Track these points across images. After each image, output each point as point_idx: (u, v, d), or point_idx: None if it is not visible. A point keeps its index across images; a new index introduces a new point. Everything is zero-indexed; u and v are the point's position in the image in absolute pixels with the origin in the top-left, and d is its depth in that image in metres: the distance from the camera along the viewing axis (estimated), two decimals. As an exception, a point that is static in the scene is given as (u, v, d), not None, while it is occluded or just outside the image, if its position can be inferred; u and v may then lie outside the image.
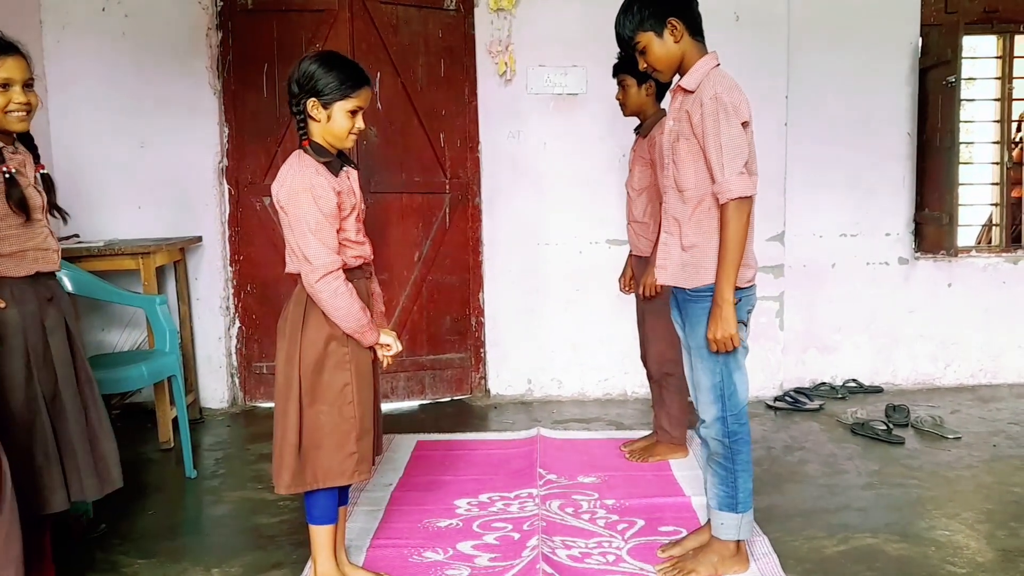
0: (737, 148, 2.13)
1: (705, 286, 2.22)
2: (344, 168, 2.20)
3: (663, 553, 2.48)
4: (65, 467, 2.13)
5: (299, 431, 2.15)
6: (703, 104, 2.16)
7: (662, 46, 2.24)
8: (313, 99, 2.10)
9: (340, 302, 2.10)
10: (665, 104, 2.98)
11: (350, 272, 2.17)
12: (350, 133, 2.14)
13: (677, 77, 2.31)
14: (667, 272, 2.32)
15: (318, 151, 2.14)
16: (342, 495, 2.32)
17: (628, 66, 3.14)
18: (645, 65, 2.30)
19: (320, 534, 2.25)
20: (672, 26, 2.21)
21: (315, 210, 2.06)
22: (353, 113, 2.13)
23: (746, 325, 2.29)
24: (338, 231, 2.13)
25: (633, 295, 3.45)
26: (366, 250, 2.26)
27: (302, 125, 2.15)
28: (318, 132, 2.14)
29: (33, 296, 2.10)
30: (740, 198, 2.13)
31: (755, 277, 2.30)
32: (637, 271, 3.34)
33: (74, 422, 2.14)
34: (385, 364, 2.30)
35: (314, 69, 2.09)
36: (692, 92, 2.22)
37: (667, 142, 2.32)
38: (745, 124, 2.17)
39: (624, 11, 2.27)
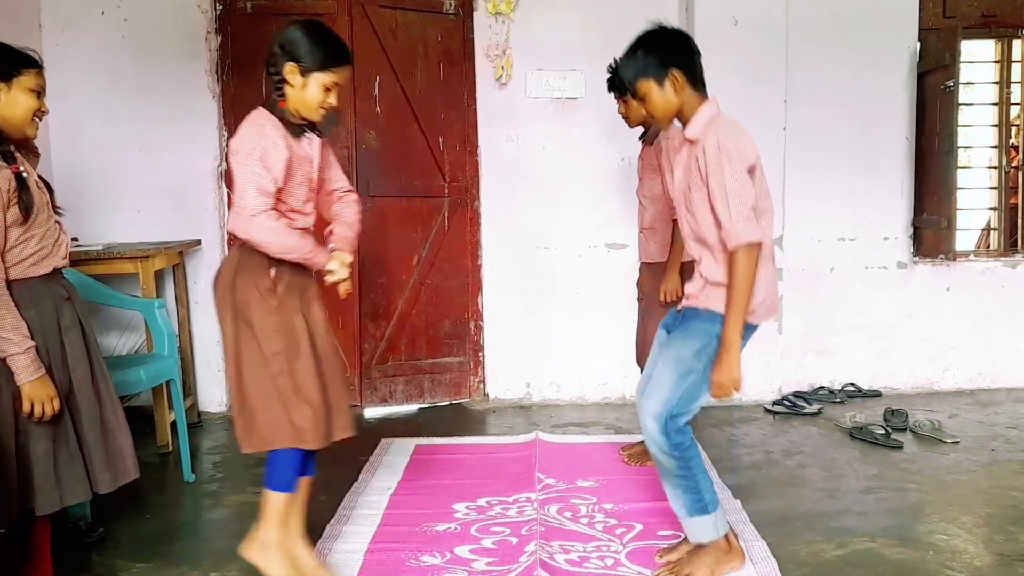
0: (741, 194, 2.14)
1: (717, 311, 2.24)
2: (307, 134, 2.19)
3: (661, 558, 2.47)
4: (85, 462, 2.18)
5: (240, 392, 2.16)
6: (706, 152, 2.17)
7: (662, 96, 2.26)
8: (292, 63, 2.10)
9: (274, 236, 2.08)
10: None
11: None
12: (321, 106, 2.14)
13: (678, 125, 2.34)
14: (692, 300, 2.34)
15: (286, 114, 2.14)
16: (307, 466, 2.29)
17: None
18: (644, 112, 2.34)
19: (273, 499, 2.21)
20: (674, 77, 2.23)
21: (258, 160, 2.05)
22: (328, 89, 2.13)
23: None
24: (281, 197, 2.12)
25: (635, 300, 3.48)
26: (308, 222, 2.24)
27: (278, 87, 2.14)
28: (289, 97, 2.14)
29: (50, 296, 2.14)
30: (748, 244, 2.13)
31: (766, 316, 2.30)
32: (648, 277, 3.32)
33: (88, 419, 2.19)
34: (342, 292, 2.28)
35: (300, 35, 2.10)
36: (695, 143, 2.24)
37: (678, 193, 2.34)
38: (752, 169, 2.18)
39: (628, 56, 2.30)
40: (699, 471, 2.31)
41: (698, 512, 2.32)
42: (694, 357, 2.24)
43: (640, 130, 3.31)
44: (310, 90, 2.12)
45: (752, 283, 2.16)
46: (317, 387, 2.18)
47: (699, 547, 2.38)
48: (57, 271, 2.18)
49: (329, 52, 2.12)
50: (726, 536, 2.36)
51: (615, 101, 3.26)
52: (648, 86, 2.26)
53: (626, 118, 3.25)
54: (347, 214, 2.35)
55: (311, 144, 2.21)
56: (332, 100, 2.15)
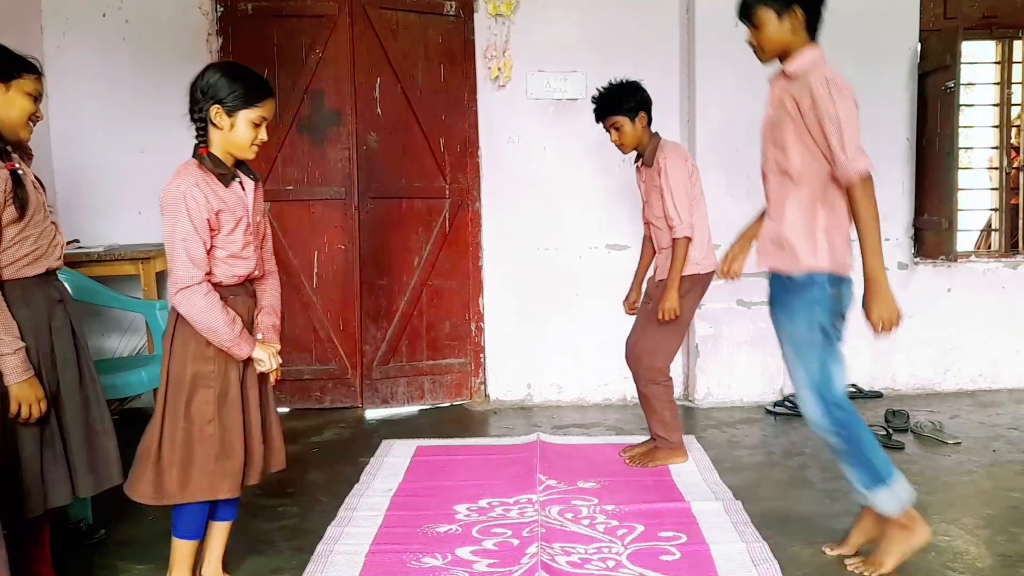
0: (855, 126, 2.16)
1: (802, 274, 2.27)
2: (238, 179, 2.17)
3: (831, 552, 2.50)
4: (68, 464, 2.18)
5: (159, 444, 2.11)
6: (813, 89, 2.18)
7: (777, 29, 2.28)
8: (217, 106, 2.09)
9: (200, 316, 2.06)
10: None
11: (228, 288, 2.15)
12: (252, 143, 2.13)
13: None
14: (767, 256, 2.37)
15: (213, 161, 2.12)
16: (220, 510, 2.28)
17: (612, 107, 3.15)
18: (753, 41, 2.35)
19: (181, 547, 2.21)
20: (795, 14, 2.26)
21: (186, 221, 2.04)
22: (257, 125, 2.12)
23: (843, 318, 2.35)
24: (214, 246, 2.10)
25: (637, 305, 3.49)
26: (250, 266, 2.20)
27: (202, 133, 2.13)
28: (218, 141, 2.13)
29: (43, 298, 2.14)
30: (864, 176, 2.15)
31: (851, 268, 2.33)
32: (657, 294, 3.27)
33: (73, 422, 2.19)
34: (272, 380, 2.25)
35: (219, 76, 2.10)
36: (794, 79, 2.26)
37: (766, 126, 2.36)
38: (856, 108, 2.20)
39: None
40: (866, 445, 2.31)
41: (874, 484, 2.32)
42: (807, 330, 2.30)
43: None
44: (239, 129, 2.10)
45: (877, 214, 2.17)
46: (240, 437, 2.16)
47: (883, 532, 2.37)
48: (51, 272, 2.19)
49: (251, 88, 2.10)
50: (907, 513, 2.33)
51: (605, 131, 3.25)
52: (768, 16, 2.28)
53: (620, 146, 3.24)
54: (268, 298, 2.30)
55: (245, 188, 2.18)
56: (263, 135, 2.14)
